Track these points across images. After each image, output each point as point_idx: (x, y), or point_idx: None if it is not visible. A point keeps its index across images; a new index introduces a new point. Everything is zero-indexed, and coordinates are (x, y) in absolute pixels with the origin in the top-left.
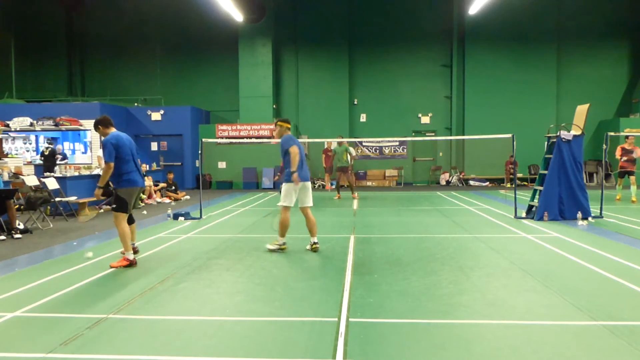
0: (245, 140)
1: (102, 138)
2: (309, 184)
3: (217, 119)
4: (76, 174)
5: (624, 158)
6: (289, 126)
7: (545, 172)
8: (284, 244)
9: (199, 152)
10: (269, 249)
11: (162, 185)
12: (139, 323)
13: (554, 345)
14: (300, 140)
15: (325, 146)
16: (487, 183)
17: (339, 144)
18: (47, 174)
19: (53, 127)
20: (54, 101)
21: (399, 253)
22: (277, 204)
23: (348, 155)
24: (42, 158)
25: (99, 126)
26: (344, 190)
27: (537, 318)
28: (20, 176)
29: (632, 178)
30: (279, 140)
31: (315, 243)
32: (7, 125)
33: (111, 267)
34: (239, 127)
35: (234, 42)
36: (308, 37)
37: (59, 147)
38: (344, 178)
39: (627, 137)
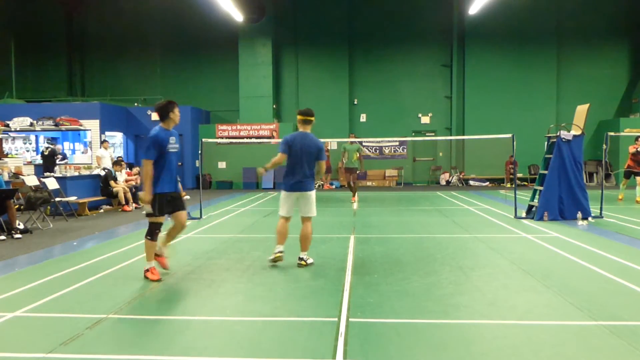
0: (245, 140)
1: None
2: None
3: (217, 119)
4: (76, 174)
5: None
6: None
7: (545, 172)
8: (280, 252)
9: (199, 152)
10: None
11: None
12: (139, 323)
13: (554, 345)
14: None
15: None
16: (487, 183)
17: (351, 143)
18: (47, 174)
19: (53, 127)
20: (54, 101)
21: (399, 253)
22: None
23: (358, 155)
24: (42, 158)
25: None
26: (344, 190)
27: (537, 318)
28: (20, 176)
29: (638, 179)
30: (278, 139)
31: (300, 259)
32: (7, 125)
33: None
34: (239, 127)
35: (234, 42)
36: (308, 37)
37: (58, 147)
38: (352, 179)
39: (637, 138)
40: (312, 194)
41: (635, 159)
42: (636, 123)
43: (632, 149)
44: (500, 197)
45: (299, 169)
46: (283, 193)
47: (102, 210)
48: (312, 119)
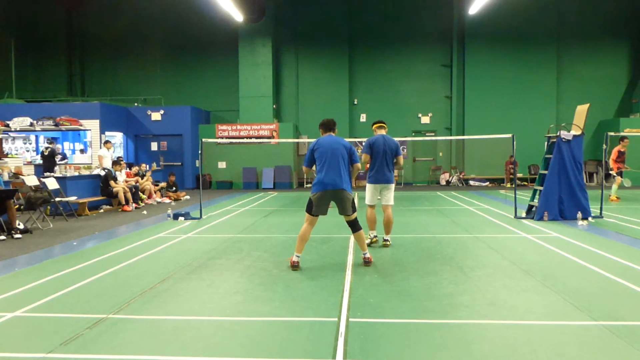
0: (245, 140)
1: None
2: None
3: (217, 119)
4: (76, 174)
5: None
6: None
7: (545, 172)
8: (375, 237)
9: (199, 152)
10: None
11: (162, 185)
12: (139, 323)
13: (554, 345)
14: (300, 140)
15: None
16: (487, 183)
17: None
18: (47, 174)
19: (53, 127)
20: (54, 101)
21: (399, 253)
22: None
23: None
24: (42, 158)
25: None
26: None
27: (537, 318)
28: (20, 176)
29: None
30: (278, 139)
31: (385, 240)
32: (7, 125)
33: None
34: (239, 127)
35: (234, 42)
36: (308, 37)
37: (58, 146)
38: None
39: (621, 139)
40: (392, 185)
41: (621, 159)
42: (636, 123)
43: (615, 154)
44: (500, 197)
45: (380, 165)
46: (369, 186)
47: (102, 210)
48: (382, 124)
